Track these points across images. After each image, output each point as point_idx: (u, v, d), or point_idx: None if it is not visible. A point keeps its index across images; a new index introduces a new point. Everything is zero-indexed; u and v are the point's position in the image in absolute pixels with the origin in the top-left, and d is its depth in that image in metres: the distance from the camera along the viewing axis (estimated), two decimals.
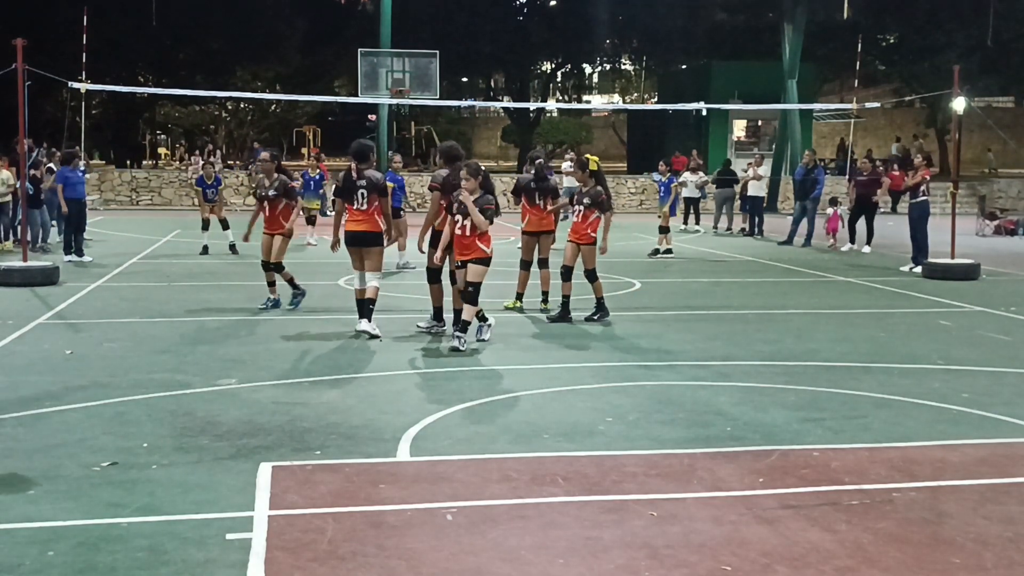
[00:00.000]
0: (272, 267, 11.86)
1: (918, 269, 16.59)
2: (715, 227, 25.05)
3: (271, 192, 11.83)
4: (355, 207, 10.36)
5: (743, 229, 24.32)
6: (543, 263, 12.29)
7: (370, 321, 10.32)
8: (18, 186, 15.95)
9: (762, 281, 15.70)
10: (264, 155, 12.35)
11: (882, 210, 31.73)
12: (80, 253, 16.93)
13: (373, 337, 10.18)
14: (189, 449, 6.53)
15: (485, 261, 9.94)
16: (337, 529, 5.17)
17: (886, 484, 5.96)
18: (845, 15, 46.80)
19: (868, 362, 9.51)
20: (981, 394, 8.27)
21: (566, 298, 11.50)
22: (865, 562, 4.84)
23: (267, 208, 11.81)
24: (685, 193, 25.83)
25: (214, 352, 9.66)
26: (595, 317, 11.52)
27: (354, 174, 10.42)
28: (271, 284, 11.94)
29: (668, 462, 6.40)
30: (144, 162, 45.13)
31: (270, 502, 5.55)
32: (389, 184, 11.84)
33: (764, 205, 25.13)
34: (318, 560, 4.79)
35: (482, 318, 10.23)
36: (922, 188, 17.23)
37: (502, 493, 5.77)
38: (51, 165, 18.91)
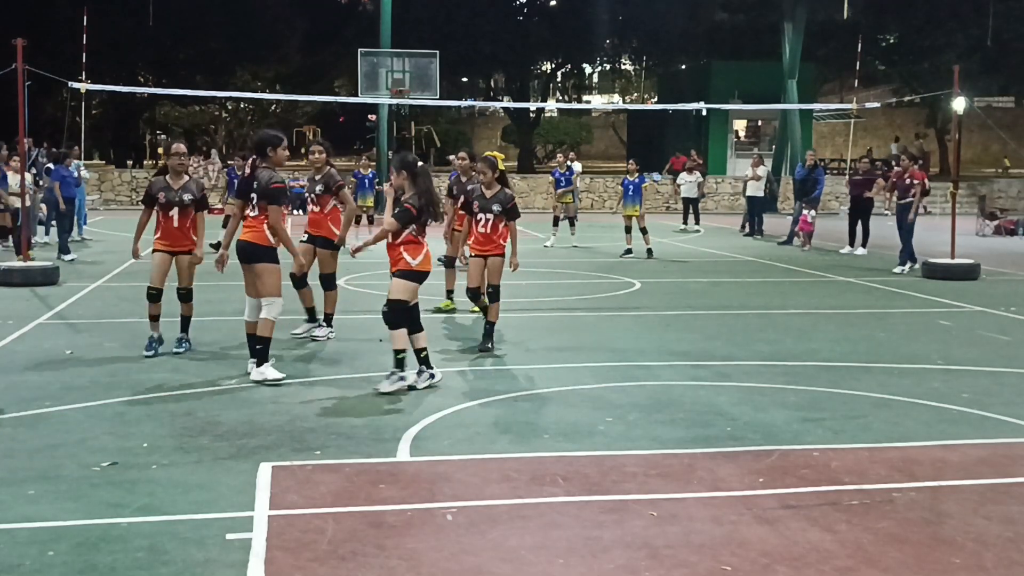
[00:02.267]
0: (181, 294, 9.48)
1: (906, 268, 16.61)
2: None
3: (185, 196, 9.30)
4: (249, 213, 8.59)
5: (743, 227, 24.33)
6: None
7: (259, 364, 8.41)
8: (18, 187, 15.95)
9: (762, 281, 15.70)
10: (179, 147, 9.60)
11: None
12: (66, 251, 17.02)
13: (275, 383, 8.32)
14: (189, 449, 6.53)
15: (409, 275, 8.12)
16: (337, 529, 5.17)
17: (886, 484, 5.96)
18: (845, 15, 46.81)
19: (868, 362, 9.51)
20: (981, 394, 8.26)
21: (491, 324, 9.87)
22: (865, 562, 4.84)
23: (176, 217, 9.29)
24: (683, 193, 25.87)
25: (214, 352, 9.65)
26: (489, 347, 9.74)
27: (247, 171, 8.74)
28: (155, 319, 9.45)
29: (668, 462, 6.40)
30: (145, 162, 45.16)
31: (270, 502, 5.55)
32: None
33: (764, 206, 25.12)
34: (318, 560, 4.79)
35: (425, 362, 8.33)
36: (912, 191, 17.10)
37: (502, 493, 5.77)
38: (49, 165, 19.00)
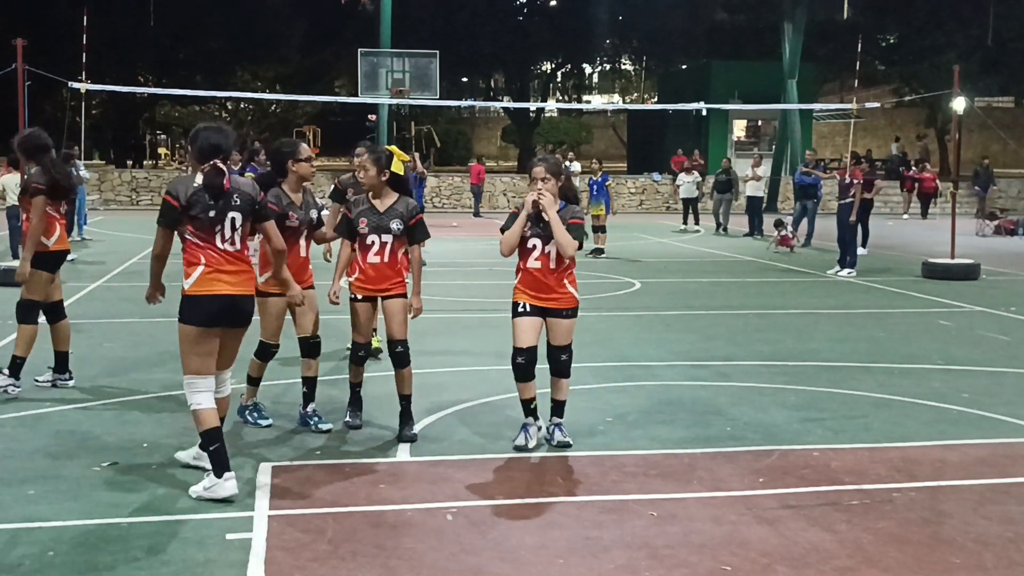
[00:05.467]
0: (311, 345, 7.11)
1: (844, 272, 16.17)
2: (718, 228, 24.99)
3: (312, 214, 6.97)
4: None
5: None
6: None
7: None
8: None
9: (762, 281, 15.70)
10: (307, 148, 6.94)
11: (911, 212, 31.98)
12: None
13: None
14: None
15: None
16: (337, 529, 5.17)
17: (886, 484, 5.96)
18: (845, 15, 46.86)
19: (868, 362, 9.51)
20: (981, 394, 8.26)
21: (407, 399, 6.90)
22: (865, 562, 4.84)
23: (303, 243, 6.96)
24: (682, 193, 25.93)
25: None
26: (412, 434, 6.74)
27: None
28: (258, 381, 7.33)
29: (668, 462, 6.40)
30: (144, 162, 45.19)
31: (270, 502, 5.55)
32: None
33: (764, 206, 25.13)
34: (318, 560, 4.79)
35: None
36: (852, 191, 16.77)
37: (502, 493, 5.77)
38: None
